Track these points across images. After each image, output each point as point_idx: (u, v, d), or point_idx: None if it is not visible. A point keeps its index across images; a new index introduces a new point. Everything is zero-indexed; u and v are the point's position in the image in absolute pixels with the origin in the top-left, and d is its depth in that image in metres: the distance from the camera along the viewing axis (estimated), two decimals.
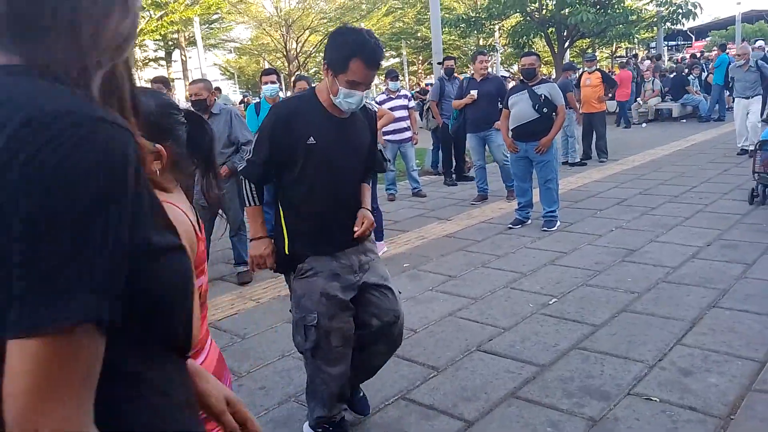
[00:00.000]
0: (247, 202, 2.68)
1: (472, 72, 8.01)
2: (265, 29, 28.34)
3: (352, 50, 2.35)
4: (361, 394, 2.98)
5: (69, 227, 0.64)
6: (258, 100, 6.28)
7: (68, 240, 0.64)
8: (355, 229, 2.59)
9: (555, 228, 6.10)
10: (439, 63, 9.72)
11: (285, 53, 28.05)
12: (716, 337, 3.48)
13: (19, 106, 0.66)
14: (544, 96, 5.97)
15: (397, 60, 33.28)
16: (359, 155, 2.62)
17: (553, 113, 6.00)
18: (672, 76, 15.89)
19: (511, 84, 9.98)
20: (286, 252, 2.62)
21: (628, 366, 3.24)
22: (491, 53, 23.71)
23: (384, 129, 6.72)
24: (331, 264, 2.58)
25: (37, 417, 0.63)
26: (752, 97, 9.18)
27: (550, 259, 5.18)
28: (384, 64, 14.30)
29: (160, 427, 0.83)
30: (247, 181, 2.64)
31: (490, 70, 8.16)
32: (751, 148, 7.77)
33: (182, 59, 27.95)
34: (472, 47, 29.97)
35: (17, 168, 0.63)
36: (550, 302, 4.21)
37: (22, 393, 0.63)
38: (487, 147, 7.56)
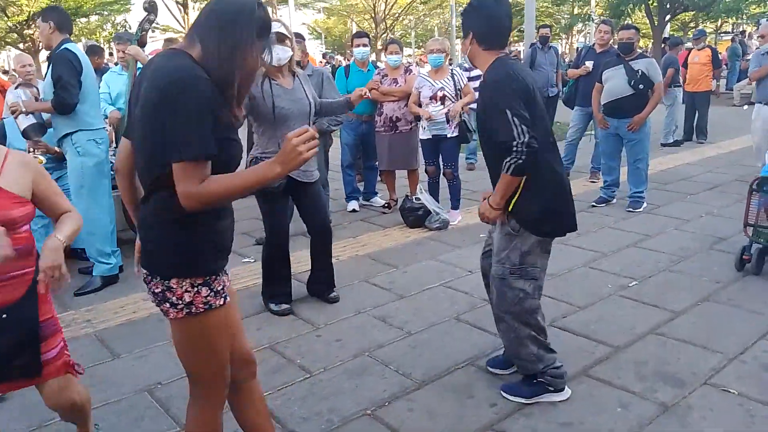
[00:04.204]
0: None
1: (593, 41, 7.52)
2: None
3: None
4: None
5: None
6: (349, 63, 6.34)
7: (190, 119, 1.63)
8: None
9: (641, 209, 5.93)
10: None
11: (373, 15, 27.96)
12: None
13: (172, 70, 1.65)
14: (641, 72, 5.73)
15: None
16: None
17: (649, 90, 5.76)
18: None
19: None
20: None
21: (706, 356, 3.17)
22: (587, 23, 22.77)
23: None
24: None
25: (194, 188, 1.62)
26: None
27: (633, 240, 5.06)
28: None
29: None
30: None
31: (583, 41, 7.81)
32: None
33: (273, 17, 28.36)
34: (566, 15, 28.87)
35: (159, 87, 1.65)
36: (630, 285, 4.14)
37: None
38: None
